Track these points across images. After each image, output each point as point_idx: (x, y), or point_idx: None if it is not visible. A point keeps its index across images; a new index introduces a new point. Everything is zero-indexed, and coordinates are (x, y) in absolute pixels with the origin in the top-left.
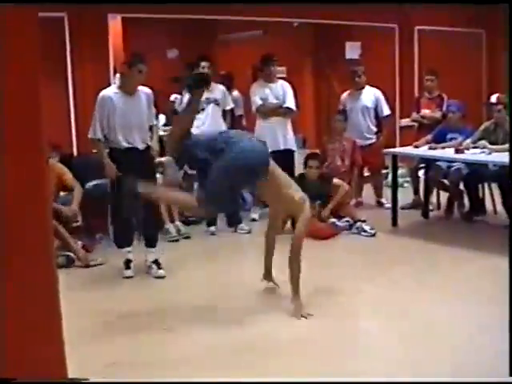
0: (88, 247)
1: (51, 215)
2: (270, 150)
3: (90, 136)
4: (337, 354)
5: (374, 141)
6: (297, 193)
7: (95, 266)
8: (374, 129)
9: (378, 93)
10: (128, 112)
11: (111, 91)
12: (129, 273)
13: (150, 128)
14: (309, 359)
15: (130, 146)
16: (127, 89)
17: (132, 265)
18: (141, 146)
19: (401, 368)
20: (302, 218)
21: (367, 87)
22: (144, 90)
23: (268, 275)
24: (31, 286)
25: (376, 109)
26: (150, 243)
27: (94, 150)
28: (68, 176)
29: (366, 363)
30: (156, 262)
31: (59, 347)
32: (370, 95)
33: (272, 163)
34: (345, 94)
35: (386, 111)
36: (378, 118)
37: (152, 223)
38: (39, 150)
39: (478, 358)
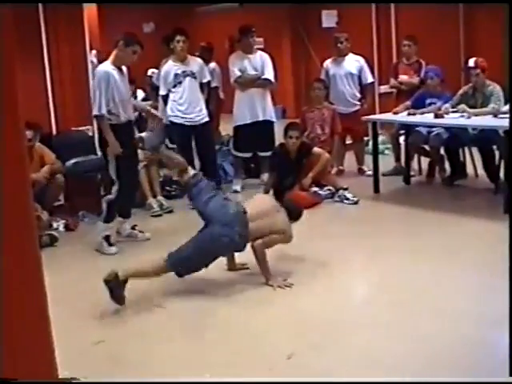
0: (71, 225)
1: (32, 197)
2: (249, 121)
3: (95, 113)
4: (325, 324)
5: (357, 108)
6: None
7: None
8: (358, 95)
9: (361, 60)
10: (123, 86)
11: (109, 67)
12: (113, 249)
13: None
14: (303, 332)
15: (128, 119)
16: (120, 65)
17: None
18: (132, 119)
19: (388, 335)
20: (280, 238)
21: (350, 54)
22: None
23: (232, 264)
24: (15, 274)
25: (360, 76)
26: (126, 215)
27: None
28: (48, 157)
29: (355, 333)
30: (134, 227)
31: (47, 344)
32: (353, 62)
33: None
34: (328, 61)
35: (370, 78)
36: (362, 86)
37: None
38: (17, 131)
39: (461, 319)
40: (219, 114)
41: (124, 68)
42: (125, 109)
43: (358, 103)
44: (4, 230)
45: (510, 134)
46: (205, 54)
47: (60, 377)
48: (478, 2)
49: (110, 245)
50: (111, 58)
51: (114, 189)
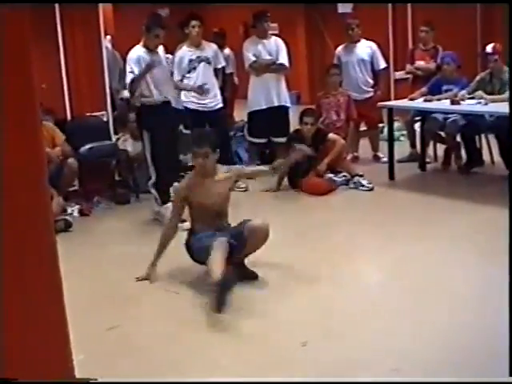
0: (86, 211)
1: (47, 178)
2: (264, 107)
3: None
4: (340, 311)
5: (371, 94)
6: None
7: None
8: (371, 82)
9: (373, 46)
10: (157, 68)
11: (140, 50)
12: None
13: None
14: (317, 319)
15: (165, 100)
16: (149, 48)
17: None
18: (169, 99)
19: (402, 323)
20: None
21: (362, 40)
22: (160, 48)
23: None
24: (30, 256)
25: (372, 62)
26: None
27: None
28: (59, 138)
29: (369, 320)
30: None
31: (64, 343)
32: (365, 48)
33: None
34: (340, 48)
35: (382, 64)
36: (374, 72)
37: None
38: (33, 113)
39: (475, 306)
40: (233, 100)
41: (161, 48)
42: (159, 89)
43: (371, 90)
44: (20, 213)
45: (510, 125)
46: (217, 40)
47: (75, 361)
48: (478, 2)
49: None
50: (142, 41)
51: (151, 171)
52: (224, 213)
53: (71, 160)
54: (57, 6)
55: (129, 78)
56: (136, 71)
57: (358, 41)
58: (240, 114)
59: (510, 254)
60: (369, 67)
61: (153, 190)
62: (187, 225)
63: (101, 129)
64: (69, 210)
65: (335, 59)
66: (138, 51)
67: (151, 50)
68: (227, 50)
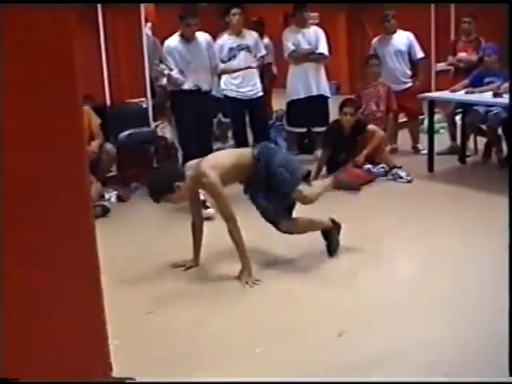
0: (123, 197)
1: (87, 164)
2: (303, 96)
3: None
4: (376, 302)
5: (409, 85)
6: None
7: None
8: (409, 72)
9: (410, 36)
10: (191, 56)
11: (175, 40)
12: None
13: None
14: (354, 309)
15: (195, 87)
16: (184, 36)
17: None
18: (204, 88)
19: (439, 316)
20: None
21: (399, 31)
22: (203, 36)
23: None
24: (69, 241)
25: (409, 52)
26: None
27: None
28: (95, 124)
29: (406, 312)
30: (203, 202)
31: (100, 327)
32: (402, 38)
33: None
34: (375, 39)
35: (420, 54)
36: (412, 62)
37: None
38: (75, 99)
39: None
40: (271, 90)
41: (205, 36)
42: (192, 77)
43: (410, 80)
44: (60, 199)
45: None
46: (256, 29)
47: (110, 345)
48: (479, 2)
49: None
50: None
51: (180, 156)
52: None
53: (110, 146)
54: None
55: (162, 68)
56: (168, 62)
57: (394, 32)
58: (278, 103)
59: (510, 253)
60: (406, 58)
61: None
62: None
63: (140, 115)
64: (106, 196)
65: (371, 50)
66: (172, 41)
67: (187, 38)
68: (266, 40)
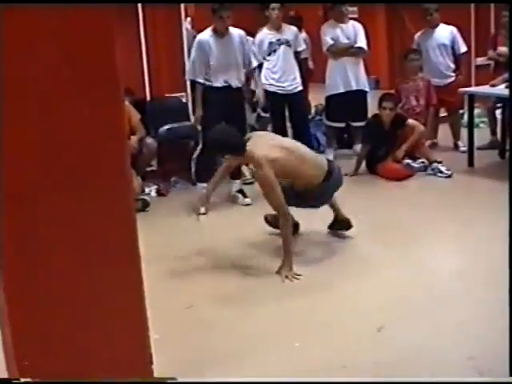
0: (163, 191)
1: (129, 159)
2: (342, 90)
3: (188, 77)
4: (416, 296)
5: (452, 79)
6: None
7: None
8: (453, 66)
9: (453, 30)
10: (222, 52)
11: (207, 34)
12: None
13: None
14: (393, 304)
15: (225, 84)
16: (218, 31)
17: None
18: (234, 84)
19: (482, 311)
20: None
21: (441, 25)
22: (237, 31)
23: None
24: (111, 235)
25: (453, 46)
26: (234, 176)
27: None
28: (135, 119)
29: (447, 307)
30: (241, 191)
31: (142, 322)
32: (445, 32)
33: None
34: (418, 33)
35: (463, 48)
36: (455, 56)
37: None
38: (117, 93)
39: None
40: (308, 84)
41: (239, 32)
42: (222, 73)
43: (453, 74)
44: (103, 193)
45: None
46: (293, 24)
47: (152, 339)
48: (479, 2)
49: (245, 196)
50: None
51: (198, 148)
52: None
53: (150, 140)
54: None
55: (190, 62)
56: (196, 56)
57: (437, 25)
58: (315, 98)
59: (509, 253)
60: (450, 51)
61: (193, 165)
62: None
63: (180, 110)
64: (146, 190)
65: (414, 45)
66: (203, 35)
67: (220, 33)
68: (303, 34)
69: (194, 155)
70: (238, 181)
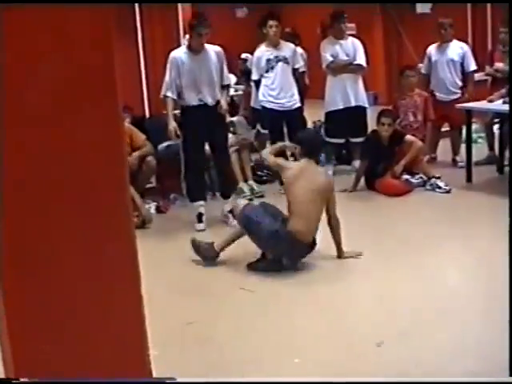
0: (163, 208)
1: (128, 177)
2: (341, 107)
3: (162, 94)
4: (416, 312)
5: (457, 96)
6: None
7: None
8: (460, 83)
9: (465, 47)
10: (196, 69)
11: (181, 51)
12: (201, 226)
13: (224, 87)
14: (392, 319)
15: (201, 102)
16: (193, 48)
17: (204, 218)
18: (210, 102)
19: (481, 326)
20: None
21: (454, 41)
22: (213, 48)
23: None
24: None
25: (462, 63)
26: (226, 195)
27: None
28: (137, 138)
29: (446, 322)
30: (232, 211)
31: (141, 337)
32: (457, 48)
33: None
34: (432, 47)
35: (473, 66)
36: (464, 73)
37: (225, 177)
38: (116, 111)
39: None
40: (303, 100)
41: (217, 49)
42: (196, 91)
43: (459, 91)
44: (101, 210)
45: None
46: (289, 40)
47: (151, 356)
48: (479, 2)
49: (200, 221)
50: (186, 42)
51: (182, 168)
52: None
53: (150, 158)
54: (137, 4)
55: (164, 79)
56: (168, 73)
57: (451, 41)
58: (313, 114)
59: (510, 254)
60: (458, 68)
61: (183, 186)
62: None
63: (179, 127)
64: (146, 207)
65: (425, 59)
66: (177, 52)
67: (194, 50)
68: (300, 50)
69: (182, 176)
70: (230, 200)
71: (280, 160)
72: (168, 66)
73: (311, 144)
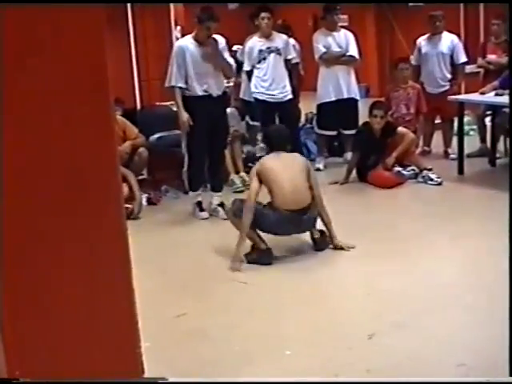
0: (154, 199)
1: (119, 169)
2: (333, 99)
3: (166, 85)
4: (407, 304)
5: (446, 88)
6: None
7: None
8: (449, 76)
9: (455, 39)
10: (202, 60)
11: (187, 41)
12: (205, 214)
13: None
14: (384, 311)
15: (205, 93)
16: (199, 40)
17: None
18: (214, 93)
19: (472, 318)
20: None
21: (445, 33)
22: (217, 38)
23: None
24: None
25: (452, 55)
26: (217, 188)
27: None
28: (130, 131)
29: (438, 314)
30: (221, 204)
31: (132, 329)
32: (447, 41)
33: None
34: (422, 38)
35: (463, 58)
36: (453, 65)
37: (218, 170)
38: (106, 103)
39: None
40: (299, 91)
41: (219, 38)
42: (202, 82)
43: (447, 84)
44: (92, 202)
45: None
46: (282, 32)
47: (142, 347)
48: (478, 2)
49: (201, 210)
50: (193, 32)
51: (185, 159)
52: None
53: (142, 149)
54: None
55: (169, 69)
56: (174, 63)
57: (441, 33)
58: (305, 106)
59: (510, 254)
60: (448, 61)
61: (184, 178)
62: None
63: (170, 118)
64: None
65: (415, 50)
66: (183, 41)
67: (201, 42)
68: (292, 40)
69: (184, 168)
70: (219, 193)
71: (253, 181)
72: (173, 55)
73: (273, 139)
